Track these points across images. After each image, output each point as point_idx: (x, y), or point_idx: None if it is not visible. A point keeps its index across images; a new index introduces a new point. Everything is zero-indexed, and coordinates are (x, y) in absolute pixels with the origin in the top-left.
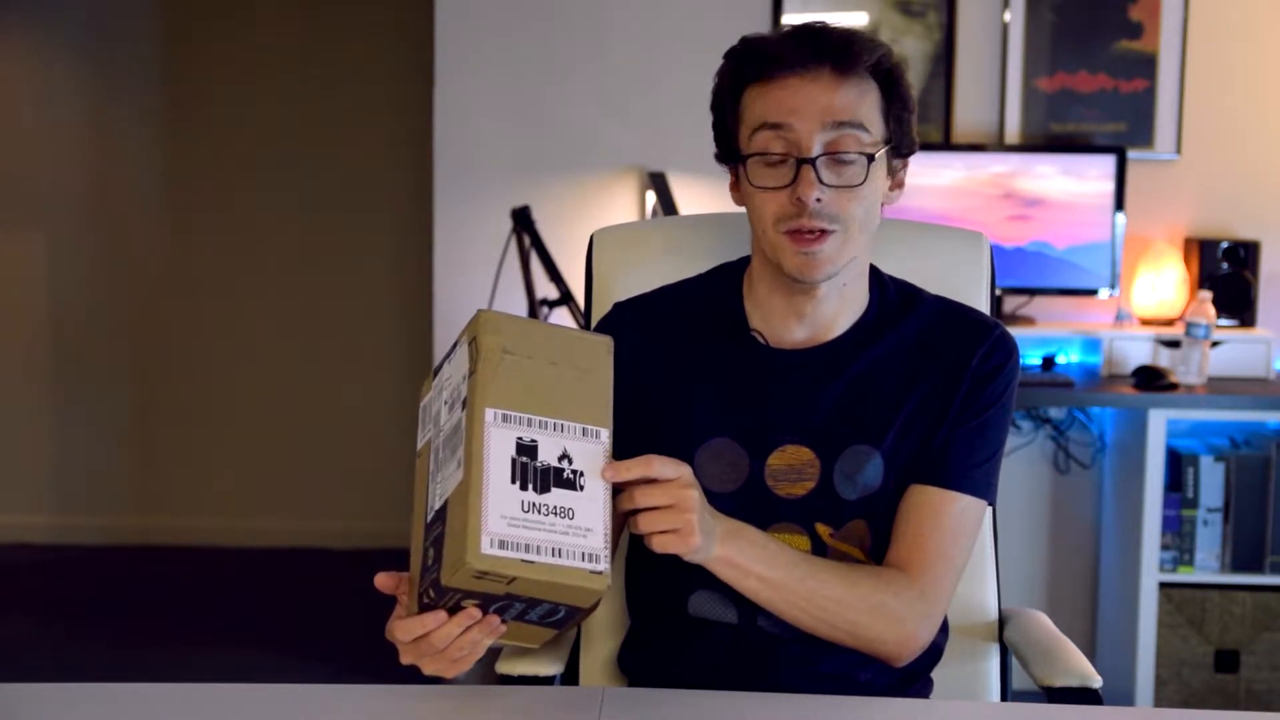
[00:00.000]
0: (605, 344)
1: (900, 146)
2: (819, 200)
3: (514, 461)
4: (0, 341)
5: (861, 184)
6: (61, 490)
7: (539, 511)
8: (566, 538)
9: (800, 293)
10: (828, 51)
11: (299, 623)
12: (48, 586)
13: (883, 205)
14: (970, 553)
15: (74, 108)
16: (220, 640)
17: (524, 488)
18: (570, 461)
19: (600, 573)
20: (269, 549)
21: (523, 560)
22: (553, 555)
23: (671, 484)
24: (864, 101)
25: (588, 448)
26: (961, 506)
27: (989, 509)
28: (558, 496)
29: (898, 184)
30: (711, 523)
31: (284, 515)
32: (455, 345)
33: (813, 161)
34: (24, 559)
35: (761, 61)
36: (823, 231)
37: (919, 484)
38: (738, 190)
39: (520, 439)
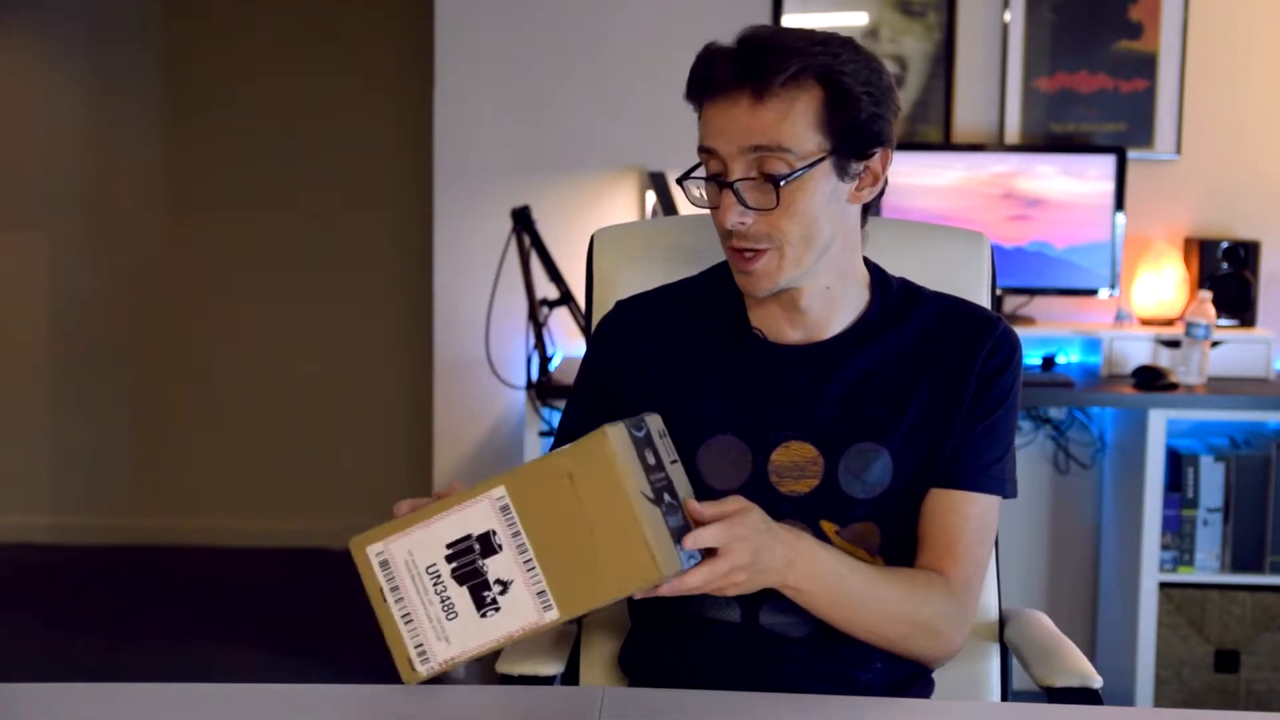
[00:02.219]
0: (653, 567)
1: (858, 148)
2: (743, 223)
3: (461, 542)
4: (0, 341)
5: (774, 209)
6: (61, 490)
7: (436, 583)
8: (426, 623)
9: (778, 298)
10: (747, 71)
11: (299, 623)
12: (48, 586)
13: (865, 205)
14: (992, 549)
15: (74, 108)
16: (220, 640)
17: (449, 561)
18: (504, 591)
19: (415, 672)
20: (269, 549)
21: (382, 590)
22: (404, 620)
23: (728, 553)
24: (787, 118)
25: (531, 605)
26: (984, 507)
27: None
28: (456, 594)
29: (869, 181)
30: (775, 552)
31: (284, 515)
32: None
33: (731, 186)
34: (24, 559)
35: (697, 82)
36: (756, 250)
37: (940, 488)
38: None
39: (492, 533)
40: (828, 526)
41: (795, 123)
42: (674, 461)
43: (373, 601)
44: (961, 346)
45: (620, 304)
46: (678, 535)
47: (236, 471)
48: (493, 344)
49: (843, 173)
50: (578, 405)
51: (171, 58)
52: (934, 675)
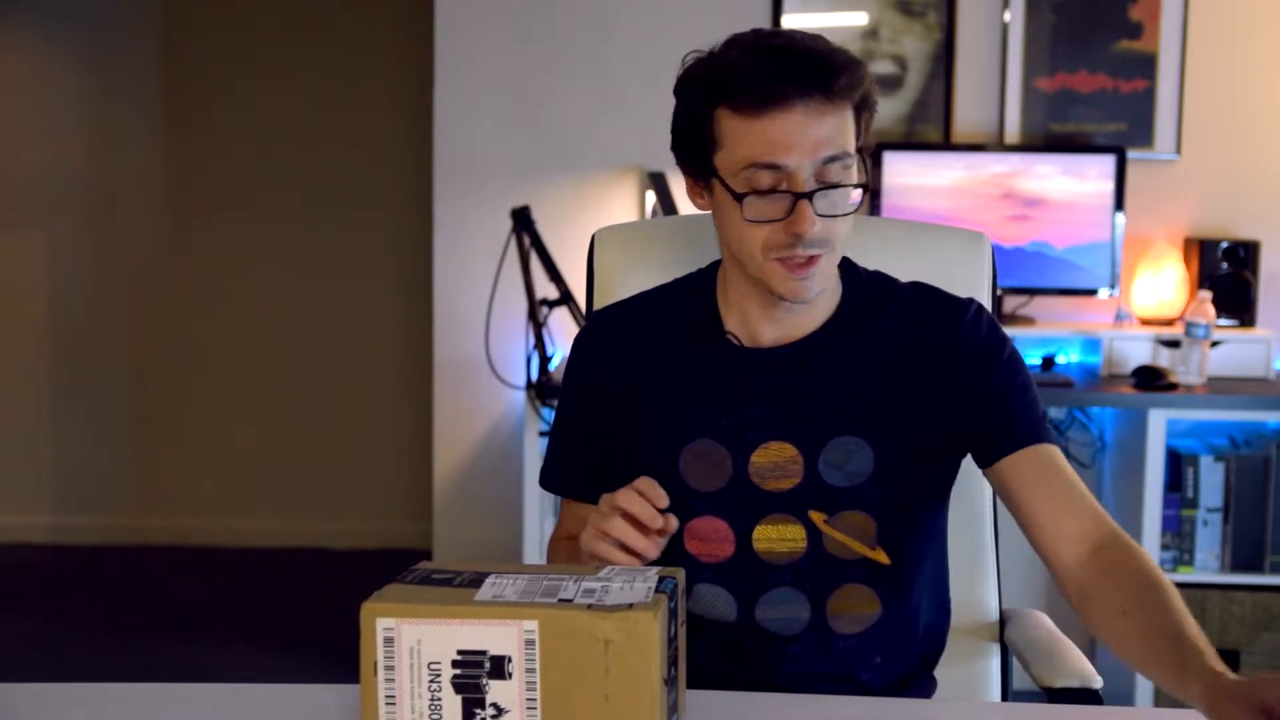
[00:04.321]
0: None
1: (865, 144)
2: (817, 231)
3: (473, 654)
4: (0, 341)
5: (851, 212)
6: (61, 490)
7: (433, 681)
8: (408, 713)
9: (765, 300)
10: (814, 79)
11: (299, 623)
12: (48, 586)
13: None
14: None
15: (74, 108)
16: (220, 640)
17: (454, 667)
18: (496, 717)
19: None
20: (269, 549)
21: (376, 663)
22: (387, 700)
23: None
24: (846, 125)
25: None
26: (1057, 452)
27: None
28: (448, 699)
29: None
30: None
31: (284, 515)
32: (627, 578)
33: (809, 196)
34: (24, 559)
35: (743, 90)
36: (812, 257)
37: (1018, 451)
38: (701, 197)
39: (507, 659)
40: (816, 516)
41: (848, 126)
42: (683, 623)
43: (362, 668)
44: (935, 328)
45: (596, 314)
46: (672, 709)
47: (236, 471)
48: (493, 344)
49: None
50: (566, 416)
51: (171, 58)
52: (934, 674)
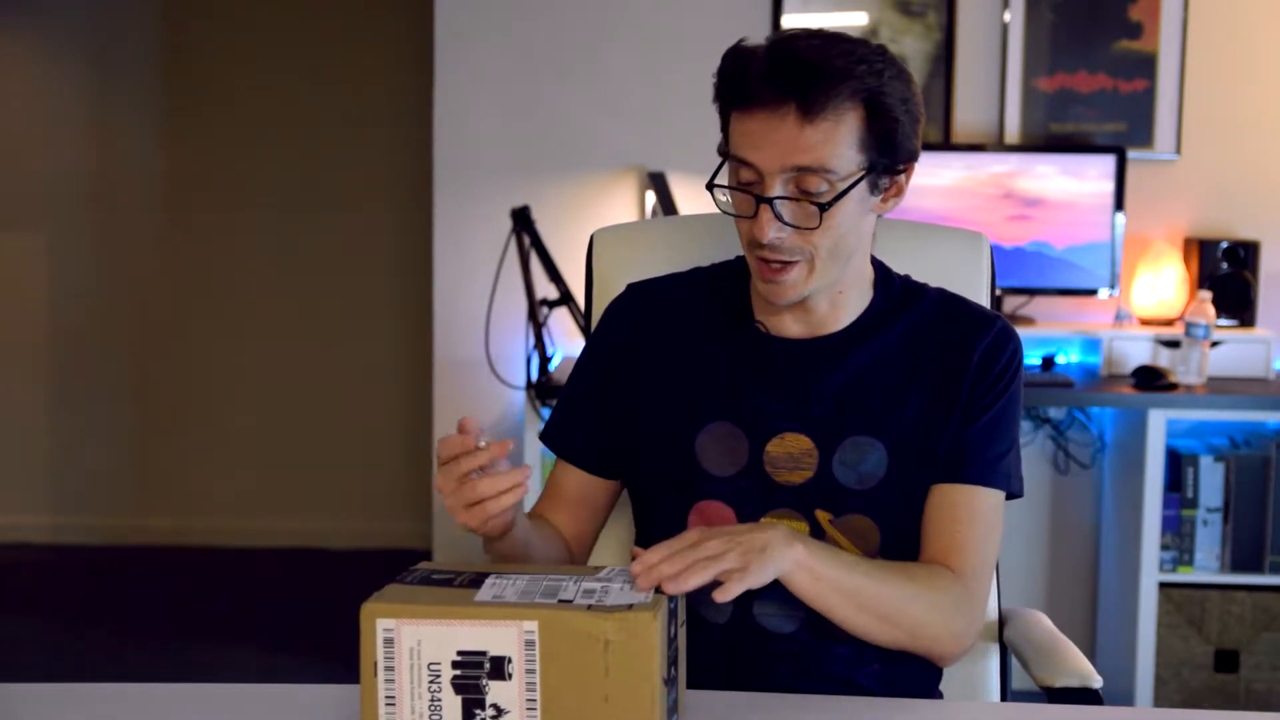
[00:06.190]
0: None
1: (891, 164)
2: (779, 238)
3: (473, 654)
4: (0, 341)
5: (817, 227)
6: (61, 490)
7: (433, 681)
8: (408, 714)
9: None
10: (796, 87)
11: (299, 623)
12: (48, 586)
13: (879, 215)
14: (999, 546)
15: (74, 108)
16: (220, 640)
17: (454, 668)
18: (496, 717)
19: None
20: (269, 549)
21: (376, 663)
22: (387, 700)
23: (729, 551)
24: (832, 139)
25: None
26: (989, 503)
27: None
28: (448, 700)
29: (894, 193)
30: (766, 533)
31: (284, 515)
32: (618, 582)
33: (770, 201)
34: (24, 559)
35: (736, 86)
36: (785, 263)
37: (944, 484)
38: None
39: (507, 659)
40: (822, 515)
41: (839, 144)
42: (682, 623)
43: (362, 669)
44: (957, 341)
45: (631, 287)
46: (672, 709)
47: (236, 471)
48: (492, 344)
49: (874, 188)
50: (583, 379)
51: (172, 57)
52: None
